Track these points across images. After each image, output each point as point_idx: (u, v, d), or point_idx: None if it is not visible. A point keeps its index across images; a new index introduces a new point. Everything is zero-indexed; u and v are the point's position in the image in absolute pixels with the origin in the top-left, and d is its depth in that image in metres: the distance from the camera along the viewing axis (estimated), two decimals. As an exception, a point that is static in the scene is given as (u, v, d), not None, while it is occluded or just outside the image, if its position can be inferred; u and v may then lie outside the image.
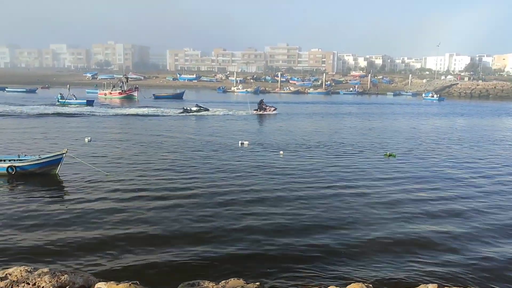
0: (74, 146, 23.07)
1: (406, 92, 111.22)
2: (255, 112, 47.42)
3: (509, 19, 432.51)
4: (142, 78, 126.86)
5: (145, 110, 46.80)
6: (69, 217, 12.22)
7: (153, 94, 72.34)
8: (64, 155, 17.11)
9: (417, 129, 36.81)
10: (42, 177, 16.77)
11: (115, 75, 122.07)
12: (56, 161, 17.13)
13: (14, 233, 10.95)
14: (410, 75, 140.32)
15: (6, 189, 15.34)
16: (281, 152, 23.30)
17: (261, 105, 47.99)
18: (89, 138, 25.94)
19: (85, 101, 55.32)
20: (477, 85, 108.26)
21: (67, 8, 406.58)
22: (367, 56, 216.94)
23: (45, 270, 5.47)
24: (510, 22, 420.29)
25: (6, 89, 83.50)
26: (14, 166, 16.65)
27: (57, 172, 17.15)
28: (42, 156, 17.29)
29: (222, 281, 5.80)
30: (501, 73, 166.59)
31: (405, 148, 25.86)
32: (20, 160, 17.38)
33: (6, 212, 12.55)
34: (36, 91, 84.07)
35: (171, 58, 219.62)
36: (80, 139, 25.98)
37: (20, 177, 16.59)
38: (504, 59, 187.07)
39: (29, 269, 5.44)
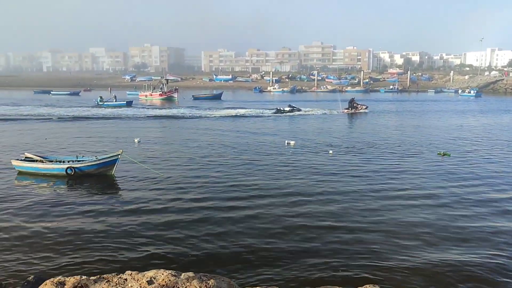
0: (125, 147, 23.33)
1: (448, 89, 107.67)
2: (346, 111, 46.77)
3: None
4: (179, 79, 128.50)
5: (241, 111, 46.74)
6: (134, 218, 12.20)
7: (192, 95, 73.04)
8: (119, 156, 17.26)
9: (464, 127, 35.36)
10: (99, 178, 16.99)
11: (153, 77, 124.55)
12: (112, 162, 17.31)
13: (81, 234, 11.02)
14: (452, 72, 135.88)
15: (66, 190, 15.61)
16: (330, 151, 22.82)
17: (352, 104, 47.24)
18: (138, 139, 26.22)
19: (125, 102, 56.48)
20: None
21: (105, 12, 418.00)
22: (404, 53, 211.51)
23: (191, 274, 5.27)
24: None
25: (51, 92, 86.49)
26: (73, 167, 16.93)
27: (113, 173, 17.31)
28: (99, 157, 17.52)
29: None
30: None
31: (457, 147, 24.79)
32: (78, 161, 17.68)
33: (67, 213, 12.70)
34: (80, 94, 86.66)
35: (206, 59, 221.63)
36: (130, 140, 26.35)
37: (78, 177, 16.88)
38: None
39: (173, 273, 5.25)
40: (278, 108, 46.70)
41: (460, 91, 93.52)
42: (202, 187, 15.38)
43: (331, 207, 13.22)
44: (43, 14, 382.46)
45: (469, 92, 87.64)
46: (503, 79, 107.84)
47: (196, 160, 20.43)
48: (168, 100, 66.19)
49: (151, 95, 68.84)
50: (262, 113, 45.37)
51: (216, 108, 50.60)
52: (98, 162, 17.24)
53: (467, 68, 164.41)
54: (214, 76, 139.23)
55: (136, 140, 25.88)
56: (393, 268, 9.09)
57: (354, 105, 47.07)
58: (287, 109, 46.18)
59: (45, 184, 16.15)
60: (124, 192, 15.23)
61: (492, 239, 10.78)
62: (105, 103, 55.70)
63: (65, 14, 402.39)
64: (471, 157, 21.85)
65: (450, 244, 10.42)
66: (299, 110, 46.63)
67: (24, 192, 14.89)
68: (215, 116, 42.88)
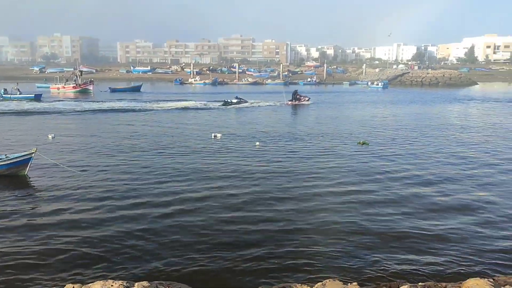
0: (38, 144, 21.49)
1: (361, 81, 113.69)
2: (290, 103, 48.57)
3: (451, 9, 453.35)
4: (94, 71, 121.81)
5: (186, 104, 46.32)
6: (47, 223, 11.22)
7: (109, 88, 69.65)
8: (33, 154, 15.84)
9: (377, 117, 37.52)
10: (10, 179, 15.44)
11: (64, 69, 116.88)
12: (25, 161, 15.84)
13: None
14: (364, 65, 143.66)
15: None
16: (257, 143, 22.92)
17: (295, 96, 49.43)
18: (53, 135, 24.36)
19: (33, 95, 52.51)
20: (427, 73, 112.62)
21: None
22: (319, 47, 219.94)
23: (145, 284, 4.70)
24: (452, 12, 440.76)
25: None
26: (-22, 168, 15.24)
27: (26, 173, 15.87)
28: (10, 156, 15.90)
29: (319, 283, 5.29)
30: (446, 61, 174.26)
31: (374, 135, 26.26)
32: (-15, 161, 15.93)
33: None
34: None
35: (122, 50, 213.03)
36: (42, 136, 24.37)
37: (-16, 179, 15.22)
38: (448, 48, 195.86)
39: (125, 284, 4.65)
40: (226, 100, 47.47)
41: (369, 83, 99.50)
42: (126, 186, 14.59)
43: (263, 207, 13.22)
44: None
45: (378, 84, 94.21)
46: (409, 72, 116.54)
47: (117, 156, 19.43)
48: (83, 92, 62.72)
49: (64, 87, 64.63)
50: (208, 106, 45.57)
51: (159, 101, 49.33)
52: (9, 161, 15.66)
53: (377, 62, 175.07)
54: (132, 68, 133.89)
55: (50, 136, 24.02)
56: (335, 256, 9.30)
57: (298, 97, 49.60)
58: (234, 101, 47.13)
59: None
60: (40, 194, 13.95)
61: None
62: (11, 95, 51.17)
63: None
64: (388, 144, 23.28)
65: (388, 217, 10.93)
66: (246, 102, 47.98)
67: None
68: (157, 109, 41.31)
